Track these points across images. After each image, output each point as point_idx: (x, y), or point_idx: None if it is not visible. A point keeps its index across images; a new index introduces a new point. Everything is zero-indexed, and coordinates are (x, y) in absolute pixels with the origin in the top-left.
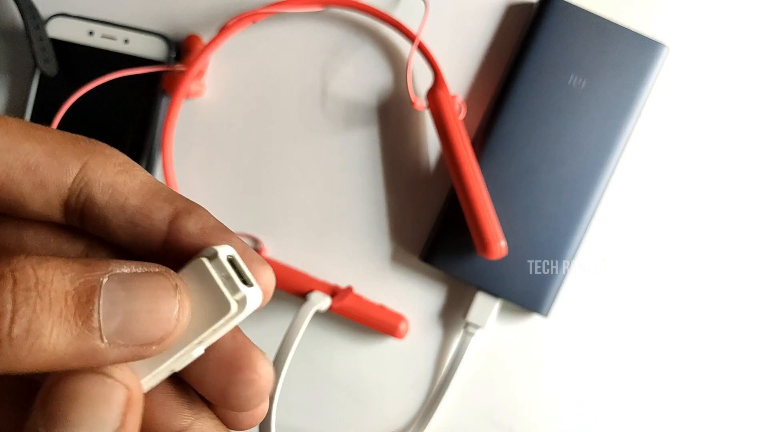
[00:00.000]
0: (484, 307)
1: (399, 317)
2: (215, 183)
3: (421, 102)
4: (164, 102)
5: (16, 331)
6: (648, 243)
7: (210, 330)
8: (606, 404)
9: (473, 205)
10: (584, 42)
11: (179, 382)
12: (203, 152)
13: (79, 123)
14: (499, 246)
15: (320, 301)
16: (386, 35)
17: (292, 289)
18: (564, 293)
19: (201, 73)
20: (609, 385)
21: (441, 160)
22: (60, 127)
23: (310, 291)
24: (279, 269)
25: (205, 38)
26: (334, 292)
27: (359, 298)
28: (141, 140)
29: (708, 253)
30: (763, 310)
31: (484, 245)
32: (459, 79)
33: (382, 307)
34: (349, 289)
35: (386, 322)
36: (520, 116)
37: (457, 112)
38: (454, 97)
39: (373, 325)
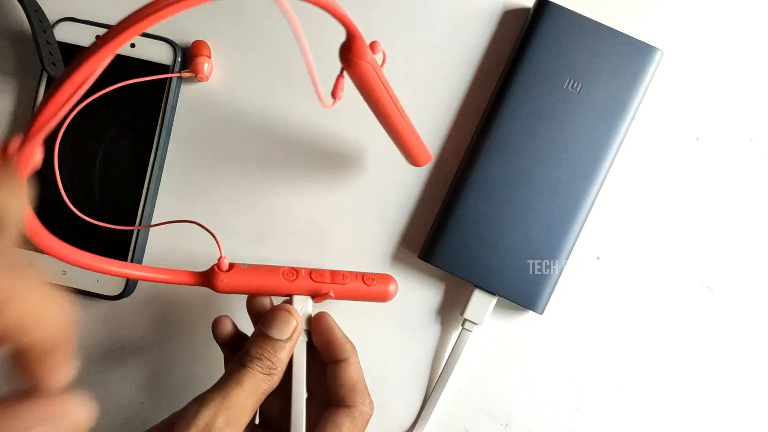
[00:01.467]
0: (481, 305)
1: (384, 282)
2: (219, 185)
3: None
4: (170, 104)
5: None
6: (641, 242)
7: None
8: (600, 398)
9: (396, 127)
10: (579, 46)
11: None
12: (207, 147)
13: (89, 120)
14: (428, 153)
15: (301, 306)
16: None
17: (269, 294)
18: (558, 291)
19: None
20: (602, 379)
21: (440, 160)
22: (72, 124)
23: (289, 295)
24: (249, 279)
25: (211, 42)
26: (314, 291)
27: (339, 286)
28: (149, 135)
29: (700, 253)
30: (758, 308)
31: (412, 157)
32: (456, 83)
33: (364, 279)
34: (327, 284)
35: (374, 295)
36: (517, 119)
37: (378, 64)
38: (374, 43)
39: (364, 300)
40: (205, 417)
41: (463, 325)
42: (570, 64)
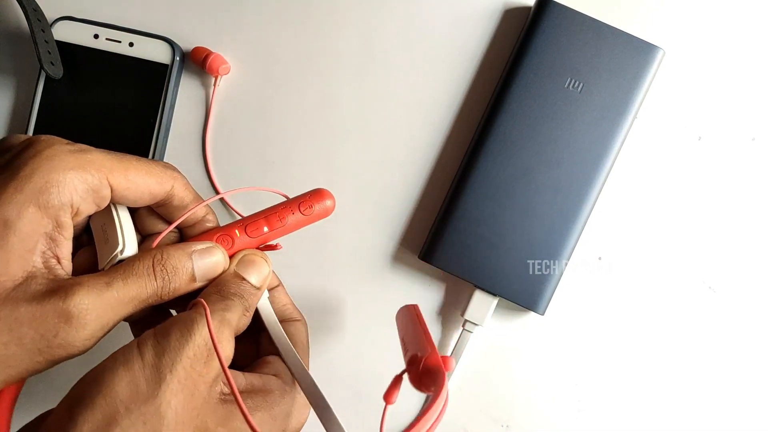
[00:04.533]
0: (482, 306)
1: (319, 200)
2: (218, 183)
3: None
4: (170, 95)
5: (172, 279)
6: (643, 242)
7: None
8: (600, 399)
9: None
10: (581, 45)
11: None
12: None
13: (94, 118)
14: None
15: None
16: None
17: None
18: (560, 291)
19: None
20: (604, 380)
21: (441, 160)
22: (72, 123)
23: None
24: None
25: (210, 45)
26: (259, 245)
27: (279, 229)
28: (149, 130)
29: (702, 253)
30: (760, 308)
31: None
32: (457, 82)
33: (300, 209)
34: (267, 234)
35: (315, 219)
36: (518, 118)
37: None
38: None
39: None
40: (210, 327)
41: (463, 325)
42: (571, 63)
